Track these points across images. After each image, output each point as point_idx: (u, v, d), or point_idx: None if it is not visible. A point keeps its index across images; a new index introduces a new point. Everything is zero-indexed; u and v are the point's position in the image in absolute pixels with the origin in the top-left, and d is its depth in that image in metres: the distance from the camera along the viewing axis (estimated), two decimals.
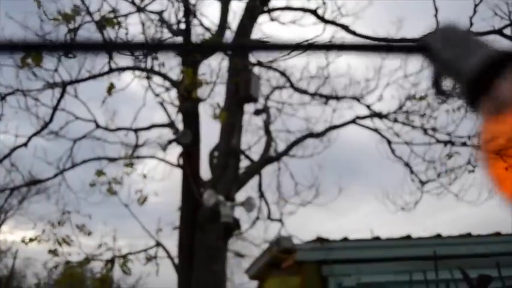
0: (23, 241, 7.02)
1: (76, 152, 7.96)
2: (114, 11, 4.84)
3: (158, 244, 6.48)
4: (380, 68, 7.35)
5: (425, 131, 7.25)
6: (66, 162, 7.75)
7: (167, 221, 7.36)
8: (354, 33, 5.30)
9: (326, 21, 5.69)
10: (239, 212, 6.05)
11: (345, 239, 6.25)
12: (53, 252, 6.74)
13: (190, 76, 5.51)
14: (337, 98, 7.52)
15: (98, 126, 7.83)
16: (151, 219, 7.39)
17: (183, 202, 5.88)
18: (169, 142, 5.88)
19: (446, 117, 7.31)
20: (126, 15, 5.21)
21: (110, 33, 6.01)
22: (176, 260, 5.92)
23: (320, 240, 6.05)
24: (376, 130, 7.56)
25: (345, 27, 5.44)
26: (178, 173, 7.79)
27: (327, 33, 7.13)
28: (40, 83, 7.07)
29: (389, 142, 7.59)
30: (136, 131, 7.74)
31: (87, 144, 11.96)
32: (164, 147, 5.83)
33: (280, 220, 8.31)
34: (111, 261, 6.76)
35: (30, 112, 7.16)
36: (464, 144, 7.13)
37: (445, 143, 7.06)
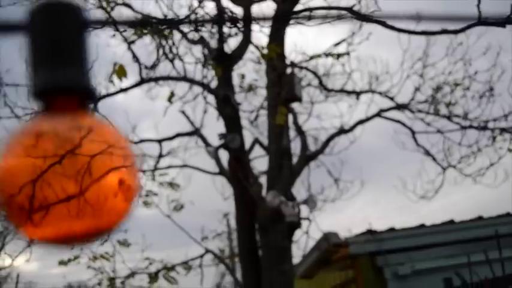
0: (61, 263, 6.82)
1: None
2: None
3: (207, 251, 6.45)
4: (403, 61, 7.53)
5: (449, 118, 7.48)
6: None
7: (206, 228, 7.32)
8: (392, 27, 5.40)
9: (362, 18, 5.80)
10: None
11: (392, 229, 6.39)
12: (97, 270, 6.61)
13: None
14: (361, 93, 7.68)
15: None
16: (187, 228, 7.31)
17: (237, 207, 5.89)
18: (219, 147, 5.88)
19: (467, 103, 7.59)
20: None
21: None
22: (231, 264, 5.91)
23: (370, 232, 6.17)
24: (400, 121, 7.75)
25: (383, 23, 5.56)
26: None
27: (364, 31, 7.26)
28: None
29: (413, 132, 7.80)
30: (160, 141, 7.67)
31: None
32: (215, 155, 5.82)
33: (308, 218, 8.39)
34: (156, 274, 6.67)
35: None
36: (484, 128, 7.39)
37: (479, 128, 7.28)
